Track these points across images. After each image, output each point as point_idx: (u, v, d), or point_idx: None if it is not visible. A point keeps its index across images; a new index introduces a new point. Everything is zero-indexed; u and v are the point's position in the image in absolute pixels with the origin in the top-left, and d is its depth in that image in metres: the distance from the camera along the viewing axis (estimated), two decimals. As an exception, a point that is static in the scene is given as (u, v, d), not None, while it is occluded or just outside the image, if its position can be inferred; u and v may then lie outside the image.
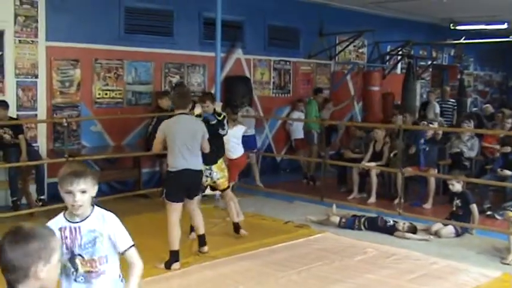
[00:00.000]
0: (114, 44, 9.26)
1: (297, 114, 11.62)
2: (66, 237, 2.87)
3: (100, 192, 9.02)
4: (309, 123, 10.78)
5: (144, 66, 9.72)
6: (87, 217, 2.90)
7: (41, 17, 8.42)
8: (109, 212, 2.96)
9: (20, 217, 7.37)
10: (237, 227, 6.89)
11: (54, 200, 7.90)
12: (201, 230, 6.17)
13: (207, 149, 5.98)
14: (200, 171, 5.99)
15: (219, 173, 6.66)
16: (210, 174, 6.58)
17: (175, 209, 5.78)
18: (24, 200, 8.00)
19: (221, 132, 6.67)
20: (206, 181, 6.60)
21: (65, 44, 8.72)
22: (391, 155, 9.11)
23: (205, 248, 6.15)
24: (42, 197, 7.98)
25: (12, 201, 7.81)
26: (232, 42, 10.73)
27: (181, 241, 5.82)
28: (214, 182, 6.73)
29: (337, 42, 12.86)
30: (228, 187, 6.94)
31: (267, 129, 11.70)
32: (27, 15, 8.30)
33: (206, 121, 6.38)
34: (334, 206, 7.95)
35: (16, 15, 8.20)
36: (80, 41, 8.86)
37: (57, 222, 2.90)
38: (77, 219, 2.88)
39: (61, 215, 2.95)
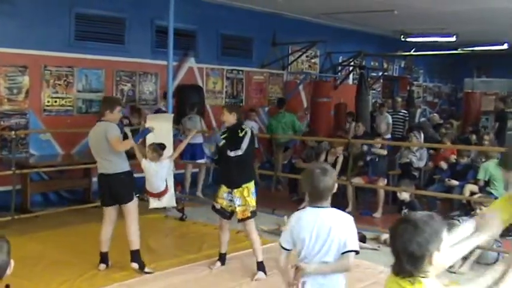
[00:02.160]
0: (64, 51, 9.11)
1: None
2: None
3: (49, 202, 8.89)
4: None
5: (95, 74, 9.59)
6: None
7: (-12, 22, 8.22)
8: None
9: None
10: (259, 266, 5.97)
11: (2, 210, 7.74)
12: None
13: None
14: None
15: (239, 199, 5.86)
16: (232, 198, 5.90)
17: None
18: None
19: (230, 154, 5.76)
20: (230, 206, 5.92)
21: (13, 50, 8.53)
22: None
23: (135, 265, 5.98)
24: (-13, 207, 7.76)
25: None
26: (185, 51, 10.70)
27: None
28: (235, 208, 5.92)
29: (289, 52, 12.98)
30: (248, 218, 5.92)
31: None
32: (-26, 20, 8.09)
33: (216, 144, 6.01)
34: (285, 217, 7.97)
35: (-38, 20, 7.98)
36: (29, 47, 8.68)
37: None
38: None
39: None
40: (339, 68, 14.29)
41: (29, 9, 8.65)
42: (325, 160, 9.30)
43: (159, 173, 6.51)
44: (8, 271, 2.55)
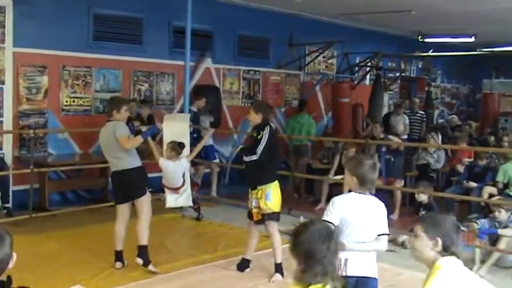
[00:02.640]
0: (83, 51, 9.17)
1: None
2: None
3: (66, 201, 8.97)
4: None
5: (113, 74, 9.64)
6: None
7: (8, 22, 8.29)
8: None
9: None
10: (277, 268, 5.93)
11: (20, 208, 7.82)
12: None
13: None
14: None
15: (255, 200, 5.86)
16: (251, 198, 5.92)
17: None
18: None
19: (244, 159, 5.78)
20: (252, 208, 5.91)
21: (32, 50, 8.61)
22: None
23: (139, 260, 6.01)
24: (7, 205, 7.84)
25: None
26: (202, 51, 10.73)
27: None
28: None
29: (306, 52, 12.95)
30: (260, 220, 5.90)
31: (237, 140, 11.69)
32: (-6, 20, 8.17)
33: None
34: (301, 218, 7.95)
35: (-18, 20, 8.07)
36: (48, 47, 8.75)
37: None
38: None
39: None
40: (356, 68, 14.23)
41: (48, 9, 8.72)
42: (340, 161, 9.26)
43: (177, 171, 6.60)
44: (11, 264, 2.55)
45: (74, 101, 9.18)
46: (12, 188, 8.07)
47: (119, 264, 6.00)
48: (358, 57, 14.04)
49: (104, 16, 9.42)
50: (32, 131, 7.74)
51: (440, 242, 2.80)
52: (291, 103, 12.80)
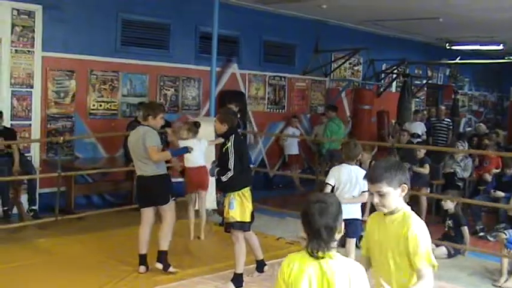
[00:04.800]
0: (110, 56, 9.27)
1: (291, 130, 11.63)
2: None
3: (92, 205, 9.03)
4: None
5: (140, 79, 9.73)
6: None
7: (37, 27, 8.42)
8: None
9: (10, 229, 7.34)
10: (233, 279, 5.78)
11: (46, 211, 7.90)
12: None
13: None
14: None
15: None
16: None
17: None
18: (15, 210, 7.93)
19: (222, 179, 5.61)
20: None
21: (61, 55, 8.73)
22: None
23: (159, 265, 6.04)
24: (33, 208, 7.93)
25: (2, 210, 7.75)
26: (228, 57, 10.76)
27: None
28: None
29: (332, 59, 12.91)
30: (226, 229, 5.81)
31: (261, 144, 11.70)
32: (24, 25, 8.30)
33: None
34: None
35: (13, 25, 8.20)
36: (76, 52, 8.87)
37: None
38: None
39: None
40: (382, 75, 14.15)
41: (76, 15, 8.84)
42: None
43: (197, 150, 6.86)
44: None
45: (100, 105, 9.28)
46: (39, 190, 8.18)
47: (142, 268, 6.00)
48: (384, 64, 13.97)
49: (132, 21, 9.52)
50: (61, 138, 7.79)
51: (407, 186, 2.96)
52: (316, 109, 12.77)
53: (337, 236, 2.59)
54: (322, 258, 2.52)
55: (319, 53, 12.35)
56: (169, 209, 5.99)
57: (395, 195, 2.94)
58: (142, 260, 6.01)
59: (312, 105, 12.82)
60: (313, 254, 2.53)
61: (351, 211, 5.37)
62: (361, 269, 2.56)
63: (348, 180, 5.50)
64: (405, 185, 2.95)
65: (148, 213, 6.05)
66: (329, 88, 13.16)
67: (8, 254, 6.38)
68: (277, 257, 6.63)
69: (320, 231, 2.52)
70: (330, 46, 12.26)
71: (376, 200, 2.95)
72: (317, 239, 2.53)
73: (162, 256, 5.97)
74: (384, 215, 3.00)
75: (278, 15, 11.44)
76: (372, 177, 2.95)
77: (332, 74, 13.12)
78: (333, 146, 10.55)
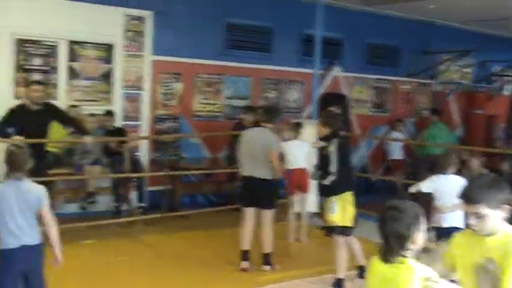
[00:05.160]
0: (215, 59, 9.50)
1: (395, 134, 11.37)
2: None
3: (196, 204, 9.25)
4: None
5: (243, 81, 9.89)
6: None
7: (148, 32, 8.79)
8: None
9: (120, 223, 7.70)
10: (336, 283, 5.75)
11: (153, 209, 8.22)
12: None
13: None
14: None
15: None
16: None
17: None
18: (125, 206, 8.30)
19: (324, 183, 5.64)
20: None
21: (169, 58, 9.05)
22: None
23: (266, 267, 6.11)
24: (142, 205, 8.27)
25: (114, 206, 8.14)
26: (330, 59, 10.68)
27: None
28: None
29: (440, 61, 12.47)
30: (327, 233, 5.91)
31: (364, 148, 11.52)
32: (135, 30, 8.69)
33: None
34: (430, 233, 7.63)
35: (125, 30, 8.61)
36: (183, 55, 9.15)
37: None
38: None
39: None
40: (494, 78, 13.49)
41: (184, 19, 9.13)
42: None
43: (300, 152, 6.90)
44: None
45: (205, 107, 9.52)
46: (147, 188, 8.51)
47: (245, 264, 6.07)
48: (496, 66, 13.32)
49: (237, 25, 9.69)
50: (168, 136, 8.10)
51: (509, 207, 2.71)
52: (422, 113, 12.39)
53: (412, 246, 2.53)
54: (393, 263, 2.52)
55: (425, 54, 11.98)
56: (271, 215, 6.11)
57: (495, 217, 2.64)
58: (245, 255, 6.10)
59: (417, 109, 12.46)
60: (384, 259, 2.55)
61: (451, 220, 5.22)
62: (432, 274, 2.51)
63: (447, 190, 5.26)
64: (507, 206, 2.66)
65: (250, 213, 6.14)
66: (435, 91, 12.72)
67: (119, 248, 6.72)
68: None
69: (389, 238, 2.52)
70: (437, 47, 11.85)
71: (472, 221, 2.68)
72: (387, 245, 2.54)
73: (267, 258, 6.11)
74: (479, 235, 2.72)
75: (382, 17, 11.21)
76: (468, 197, 2.66)
77: (439, 77, 12.68)
78: (433, 151, 10.18)
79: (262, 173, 5.99)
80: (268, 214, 6.08)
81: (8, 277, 3.92)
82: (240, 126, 8.63)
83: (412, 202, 2.63)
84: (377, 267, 2.61)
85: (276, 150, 5.98)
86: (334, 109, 8.81)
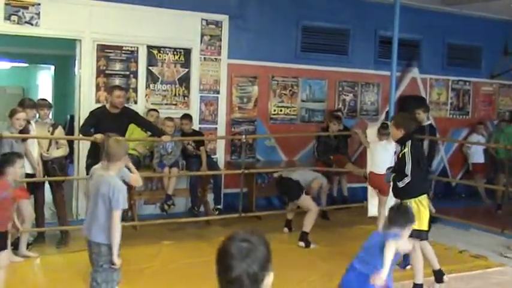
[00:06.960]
0: (291, 62, 9.51)
1: (476, 138, 10.99)
2: None
3: (272, 207, 9.26)
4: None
5: (319, 84, 9.85)
6: None
7: (224, 36, 8.92)
8: None
9: (198, 223, 7.83)
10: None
11: (230, 210, 8.30)
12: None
13: None
14: None
15: None
16: None
17: None
18: (202, 208, 8.42)
19: (398, 184, 5.59)
20: None
21: (244, 62, 9.14)
22: None
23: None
24: (218, 206, 8.36)
25: (191, 208, 8.28)
26: (408, 61, 10.46)
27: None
28: None
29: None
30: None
31: (443, 152, 11.20)
32: (212, 34, 8.84)
33: None
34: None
35: (202, 35, 8.77)
36: (259, 58, 9.22)
37: None
38: None
39: None
40: None
41: (259, 23, 9.20)
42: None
43: (385, 154, 6.97)
44: None
45: (281, 110, 9.55)
46: (224, 191, 8.61)
47: (285, 230, 7.64)
48: None
49: (312, 28, 9.67)
50: (243, 136, 8.22)
51: None
52: (505, 115, 11.92)
53: None
54: None
55: (508, 55, 11.53)
56: (303, 199, 7.24)
57: None
58: (287, 224, 7.70)
59: (500, 111, 11.99)
60: None
61: None
62: None
63: None
64: None
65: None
66: (519, 92, 12.21)
67: (197, 249, 6.81)
68: (461, 270, 6.32)
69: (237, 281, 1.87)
70: (520, 47, 11.39)
71: None
72: None
73: (304, 236, 7.00)
74: None
75: (462, 16, 10.88)
76: None
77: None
78: (509, 155, 9.74)
79: None
80: (302, 201, 7.29)
81: None
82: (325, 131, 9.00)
83: (254, 230, 1.97)
84: None
85: None
86: (420, 111, 8.59)
